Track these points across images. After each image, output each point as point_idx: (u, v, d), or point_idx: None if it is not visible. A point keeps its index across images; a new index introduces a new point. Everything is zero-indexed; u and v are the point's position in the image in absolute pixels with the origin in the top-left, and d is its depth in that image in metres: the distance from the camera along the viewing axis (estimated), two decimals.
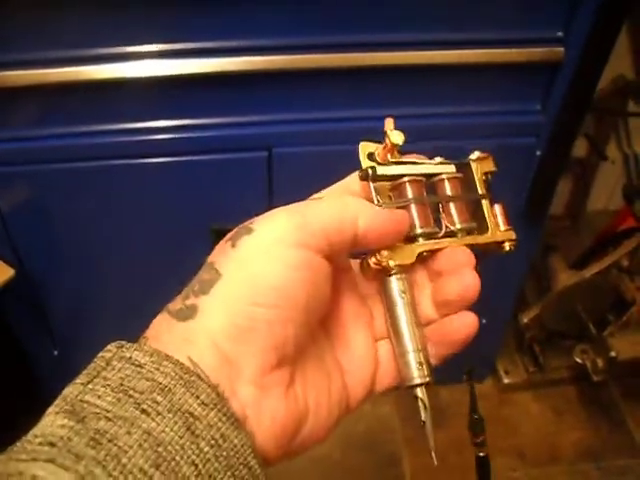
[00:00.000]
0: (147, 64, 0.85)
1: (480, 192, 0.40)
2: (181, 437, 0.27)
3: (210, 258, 0.33)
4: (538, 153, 1.01)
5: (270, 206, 0.35)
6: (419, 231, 0.38)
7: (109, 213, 1.03)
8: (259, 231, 0.32)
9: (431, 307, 0.39)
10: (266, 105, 0.93)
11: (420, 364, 0.36)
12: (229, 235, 0.34)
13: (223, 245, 0.33)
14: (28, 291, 1.11)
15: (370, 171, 0.37)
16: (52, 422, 0.27)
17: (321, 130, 0.96)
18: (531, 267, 1.40)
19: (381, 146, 0.38)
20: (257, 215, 0.34)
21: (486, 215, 0.40)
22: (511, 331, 1.54)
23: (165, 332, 0.31)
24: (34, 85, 0.85)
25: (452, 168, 0.40)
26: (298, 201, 0.36)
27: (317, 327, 0.36)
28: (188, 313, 0.31)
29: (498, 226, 0.40)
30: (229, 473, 0.28)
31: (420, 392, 0.37)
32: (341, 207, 0.34)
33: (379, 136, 0.39)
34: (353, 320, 0.39)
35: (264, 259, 0.31)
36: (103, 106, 0.90)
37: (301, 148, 0.97)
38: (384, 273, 0.37)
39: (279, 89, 0.91)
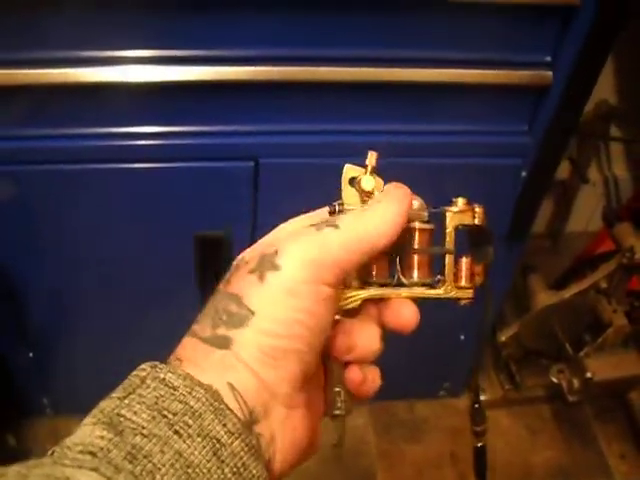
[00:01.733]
0: (136, 69, 0.84)
1: (447, 247, 0.40)
2: (208, 461, 0.29)
3: (233, 288, 0.35)
4: (523, 174, 1.02)
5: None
6: (373, 279, 0.39)
7: (91, 216, 1.02)
8: (285, 269, 0.34)
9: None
10: (254, 115, 0.93)
11: (341, 400, 0.39)
12: (252, 265, 0.35)
13: (247, 276, 0.35)
14: (4, 292, 1.10)
15: (337, 209, 0.38)
16: (91, 432, 0.29)
17: (309, 142, 0.96)
18: (510, 286, 1.41)
19: (364, 171, 0.39)
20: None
21: (446, 271, 0.40)
22: (489, 348, 1.55)
23: (202, 357, 0.33)
24: (18, 85, 0.84)
25: (425, 216, 0.39)
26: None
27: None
28: (222, 342, 0.33)
29: (459, 280, 0.40)
30: None
31: (338, 421, 0.40)
32: (358, 237, 0.35)
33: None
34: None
35: (292, 296, 0.33)
36: (89, 109, 0.90)
37: (288, 160, 0.97)
38: None
39: (268, 100, 0.92)
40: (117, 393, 0.31)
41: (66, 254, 1.07)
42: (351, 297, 0.39)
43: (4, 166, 0.94)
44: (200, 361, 0.33)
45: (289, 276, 0.34)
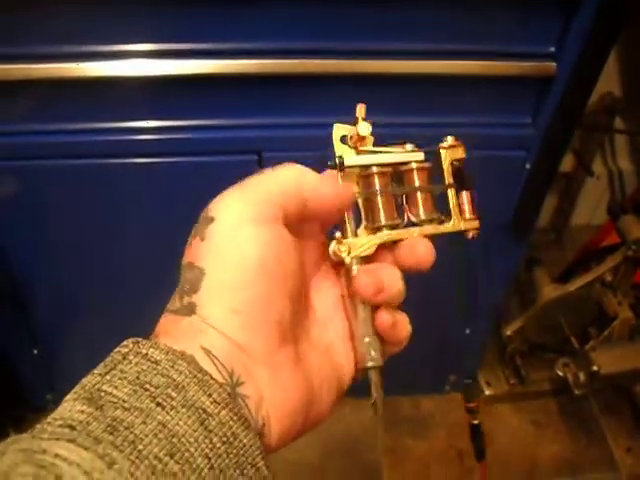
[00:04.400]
0: (138, 63, 0.84)
1: (447, 182, 0.41)
2: (195, 430, 0.28)
3: (186, 259, 0.34)
4: (527, 166, 1.01)
5: None
6: (383, 223, 0.39)
7: (94, 212, 1.02)
8: (220, 218, 0.33)
9: None
10: (257, 109, 0.93)
11: (375, 349, 0.38)
12: (193, 231, 0.35)
13: (192, 243, 0.34)
14: (9, 288, 1.09)
15: (337, 161, 0.38)
16: (71, 407, 0.28)
17: (312, 135, 0.95)
18: (515, 280, 1.40)
19: (354, 129, 0.39)
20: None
21: (451, 205, 0.41)
22: (494, 343, 1.54)
23: (174, 327, 0.33)
24: (17, 81, 0.84)
25: (421, 156, 0.40)
26: None
27: (298, 306, 0.37)
28: (188, 310, 0.33)
29: (464, 214, 0.41)
30: (238, 471, 0.29)
31: (373, 374, 0.39)
32: (282, 175, 0.36)
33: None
34: (330, 304, 0.40)
35: (235, 244, 0.33)
36: (92, 104, 0.89)
37: (291, 153, 0.95)
38: (344, 264, 0.39)
39: (271, 93, 0.91)
40: (98, 369, 0.30)
41: (69, 250, 1.07)
42: (365, 244, 0.39)
43: (7, 161, 0.94)
44: (172, 331, 0.32)
45: (225, 223, 0.33)
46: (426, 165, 0.40)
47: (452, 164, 0.41)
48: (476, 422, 0.46)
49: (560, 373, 1.41)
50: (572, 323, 1.43)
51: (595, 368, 1.34)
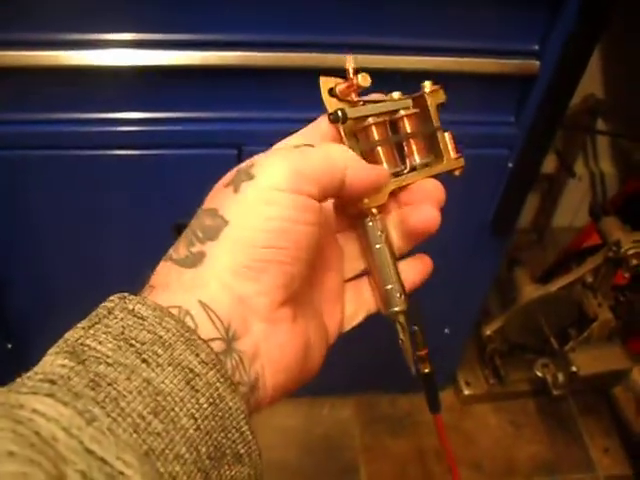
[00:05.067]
0: (117, 53, 0.82)
1: (435, 125, 0.42)
2: (181, 390, 0.27)
3: (210, 204, 0.34)
4: (510, 165, 1.01)
5: None
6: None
7: (70, 203, 1.00)
8: (259, 178, 0.33)
9: (398, 236, 0.42)
10: (238, 102, 0.92)
11: (400, 294, 0.40)
12: (228, 179, 0.34)
13: (223, 190, 0.34)
14: None
15: (340, 114, 0.38)
16: (52, 361, 0.27)
17: (293, 131, 0.95)
18: (495, 280, 1.40)
19: (341, 81, 0.39)
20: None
21: (442, 146, 0.42)
22: (473, 342, 1.54)
23: (174, 280, 0.32)
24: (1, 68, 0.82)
25: (409, 103, 0.42)
26: None
27: (308, 275, 0.37)
28: (196, 260, 0.32)
29: (449, 154, 0.43)
30: (222, 434, 0.28)
31: (400, 317, 0.40)
32: (332, 157, 0.36)
33: None
34: (327, 261, 0.40)
35: (267, 205, 0.32)
36: (68, 94, 0.87)
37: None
38: (363, 216, 0.40)
39: (252, 86, 0.90)
40: (82, 323, 0.29)
41: (47, 242, 1.05)
42: (378, 194, 0.39)
43: None
44: (172, 284, 0.32)
45: (264, 184, 0.33)
46: (414, 111, 0.42)
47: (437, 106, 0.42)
48: (427, 370, 0.45)
49: (539, 374, 1.41)
50: (552, 324, 1.43)
51: (574, 369, 1.35)
